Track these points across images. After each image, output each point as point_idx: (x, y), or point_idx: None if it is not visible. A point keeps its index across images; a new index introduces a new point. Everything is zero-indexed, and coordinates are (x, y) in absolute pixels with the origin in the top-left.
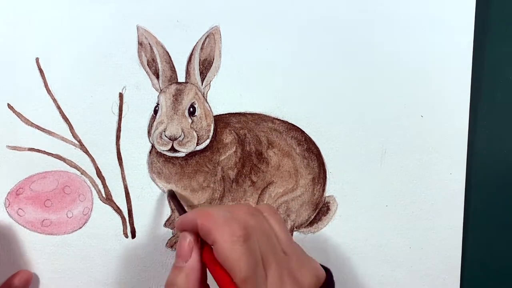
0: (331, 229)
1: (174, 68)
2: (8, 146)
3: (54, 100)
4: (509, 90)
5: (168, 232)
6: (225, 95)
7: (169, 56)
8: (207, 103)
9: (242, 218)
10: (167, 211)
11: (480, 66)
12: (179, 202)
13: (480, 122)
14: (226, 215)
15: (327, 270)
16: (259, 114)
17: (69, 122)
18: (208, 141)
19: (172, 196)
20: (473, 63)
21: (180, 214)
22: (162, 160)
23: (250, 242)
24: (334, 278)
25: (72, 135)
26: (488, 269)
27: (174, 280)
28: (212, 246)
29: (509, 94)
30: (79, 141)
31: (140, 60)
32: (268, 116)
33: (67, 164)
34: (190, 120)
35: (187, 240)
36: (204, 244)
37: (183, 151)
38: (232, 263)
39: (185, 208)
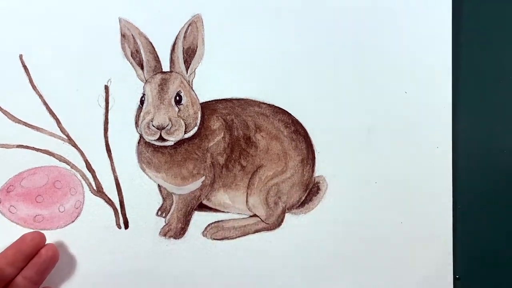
0: (322, 209)
1: (158, 58)
2: None
3: (40, 96)
4: (492, 62)
5: (160, 221)
6: (210, 82)
7: (153, 46)
8: (193, 91)
9: None
10: (158, 200)
11: (461, 43)
12: None
13: (463, 96)
14: None
15: None
16: (245, 99)
17: (56, 117)
18: (196, 128)
19: None
20: (453, 41)
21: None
22: (151, 150)
23: None
24: (327, 256)
25: (60, 129)
26: (479, 237)
27: None
28: None
29: (491, 64)
30: (67, 136)
31: (123, 51)
32: (254, 101)
33: (57, 159)
34: (177, 109)
35: None
36: None
37: (171, 140)
38: None
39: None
